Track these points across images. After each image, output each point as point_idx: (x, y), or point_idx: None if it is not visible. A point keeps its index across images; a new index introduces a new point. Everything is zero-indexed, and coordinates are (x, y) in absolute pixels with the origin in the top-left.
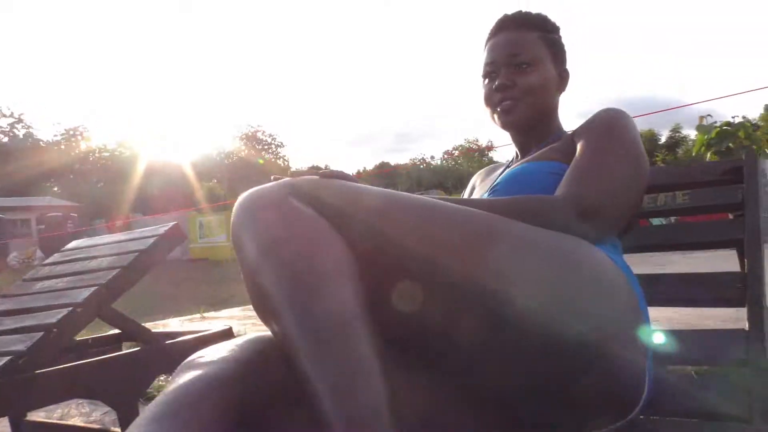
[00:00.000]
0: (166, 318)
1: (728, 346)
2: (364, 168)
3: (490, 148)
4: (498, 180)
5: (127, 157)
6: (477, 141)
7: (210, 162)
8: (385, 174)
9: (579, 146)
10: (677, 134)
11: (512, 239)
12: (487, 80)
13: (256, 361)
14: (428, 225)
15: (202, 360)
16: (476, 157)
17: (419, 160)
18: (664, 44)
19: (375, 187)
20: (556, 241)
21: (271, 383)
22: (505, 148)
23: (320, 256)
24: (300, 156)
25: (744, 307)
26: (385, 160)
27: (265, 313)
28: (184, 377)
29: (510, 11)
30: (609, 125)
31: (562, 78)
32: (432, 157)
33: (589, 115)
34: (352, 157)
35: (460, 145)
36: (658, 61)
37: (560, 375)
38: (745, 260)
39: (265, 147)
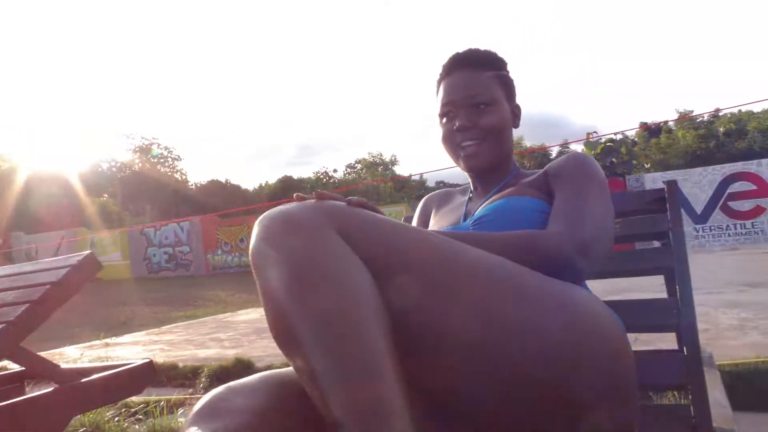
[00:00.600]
0: (60, 346)
1: (665, 370)
2: (266, 182)
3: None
4: (481, 212)
5: (5, 171)
6: (381, 155)
7: (100, 175)
8: (287, 188)
9: (561, 188)
10: (566, 149)
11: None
12: (445, 120)
13: (279, 410)
14: (487, 308)
15: (221, 410)
16: (380, 170)
17: (322, 174)
18: (551, 64)
19: (407, 230)
20: (569, 294)
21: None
22: (406, 163)
23: (356, 305)
24: (198, 169)
25: (676, 331)
26: (288, 173)
27: (290, 348)
28: None
29: (460, 50)
30: (585, 170)
31: (515, 114)
32: (335, 170)
33: None
34: (253, 170)
35: (363, 158)
36: (547, 78)
37: (567, 422)
38: (676, 287)
39: (161, 160)
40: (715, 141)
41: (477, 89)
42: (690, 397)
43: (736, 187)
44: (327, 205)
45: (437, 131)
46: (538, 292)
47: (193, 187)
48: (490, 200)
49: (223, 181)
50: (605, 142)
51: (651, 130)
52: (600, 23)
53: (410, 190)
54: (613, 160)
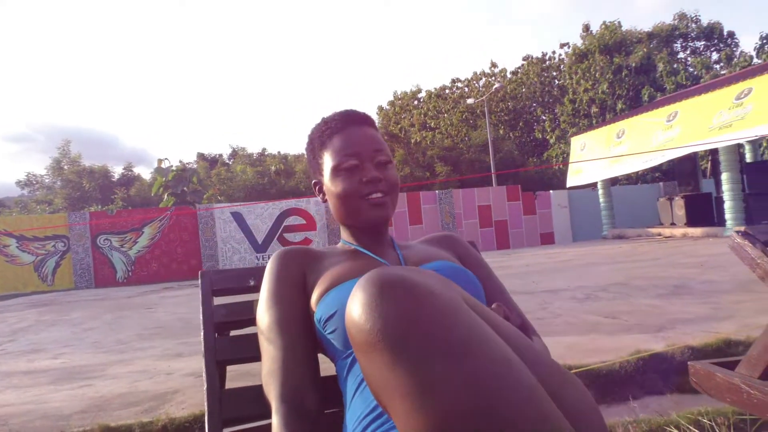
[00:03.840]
0: None
1: None
2: None
3: None
4: (431, 266)
5: None
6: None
7: None
8: None
9: (481, 268)
10: (130, 172)
11: None
12: (345, 172)
13: None
14: None
15: None
16: None
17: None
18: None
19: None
20: None
21: None
22: None
23: None
24: None
25: None
26: None
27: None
28: None
29: (351, 108)
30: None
31: None
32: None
33: None
34: None
35: None
36: (100, 94)
37: None
38: None
39: None
40: (268, 178)
41: (380, 145)
42: None
43: (291, 220)
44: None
45: (326, 185)
46: None
47: None
48: (412, 253)
49: None
50: (177, 170)
51: (210, 162)
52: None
53: None
54: (185, 188)
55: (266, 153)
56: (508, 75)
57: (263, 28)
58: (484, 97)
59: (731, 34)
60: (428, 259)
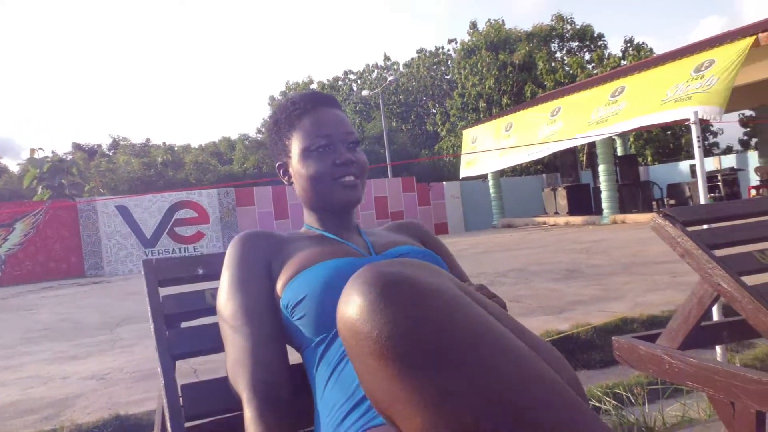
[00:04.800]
0: None
1: None
2: None
3: None
4: (398, 250)
5: None
6: None
7: None
8: None
9: (446, 255)
10: None
11: None
12: (316, 154)
13: None
14: None
15: None
16: None
17: None
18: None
19: None
20: None
21: None
22: None
23: None
24: None
25: None
26: None
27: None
28: None
29: (316, 90)
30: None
31: None
32: None
33: None
34: None
35: None
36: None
37: None
38: None
39: None
40: (155, 169)
41: (350, 128)
42: None
43: (182, 213)
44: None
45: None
46: None
47: None
48: (378, 239)
49: None
50: (52, 160)
51: (89, 152)
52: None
53: None
54: (63, 181)
55: (151, 143)
56: (401, 68)
57: (144, 11)
58: (378, 89)
59: (600, 36)
60: (394, 244)
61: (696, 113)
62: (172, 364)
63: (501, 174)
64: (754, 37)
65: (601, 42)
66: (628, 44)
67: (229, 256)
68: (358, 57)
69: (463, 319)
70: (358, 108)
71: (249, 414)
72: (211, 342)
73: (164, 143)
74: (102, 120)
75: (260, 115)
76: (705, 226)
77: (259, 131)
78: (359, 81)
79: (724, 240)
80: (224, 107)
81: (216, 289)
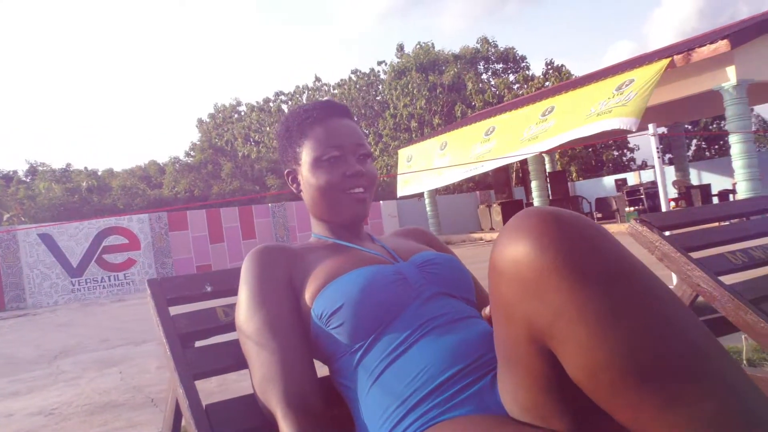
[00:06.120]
0: None
1: None
2: None
3: None
4: (423, 257)
5: None
6: None
7: None
8: None
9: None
10: None
11: None
12: (327, 164)
13: None
14: None
15: None
16: None
17: None
18: None
19: None
20: None
21: None
22: None
23: None
24: None
25: None
26: None
27: None
28: None
29: (331, 99)
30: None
31: None
32: None
33: None
34: None
35: None
36: None
37: None
38: None
39: None
40: (79, 195)
41: (362, 140)
42: None
43: (111, 240)
44: None
45: (305, 175)
46: None
47: None
48: (396, 244)
49: None
50: None
51: (6, 179)
52: None
53: None
54: None
55: (72, 168)
56: (332, 90)
57: (60, 29)
58: None
59: (523, 58)
60: (418, 249)
61: (623, 123)
62: (192, 384)
63: (436, 192)
64: (670, 59)
65: (524, 63)
66: (549, 66)
67: (247, 271)
68: (289, 79)
69: (627, 251)
70: None
71: (287, 429)
72: (229, 360)
73: (86, 168)
74: (17, 145)
75: (189, 138)
76: (668, 232)
77: (188, 154)
78: (290, 102)
79: (699, 243)
80: (149, 130)
81: (228, 306)
